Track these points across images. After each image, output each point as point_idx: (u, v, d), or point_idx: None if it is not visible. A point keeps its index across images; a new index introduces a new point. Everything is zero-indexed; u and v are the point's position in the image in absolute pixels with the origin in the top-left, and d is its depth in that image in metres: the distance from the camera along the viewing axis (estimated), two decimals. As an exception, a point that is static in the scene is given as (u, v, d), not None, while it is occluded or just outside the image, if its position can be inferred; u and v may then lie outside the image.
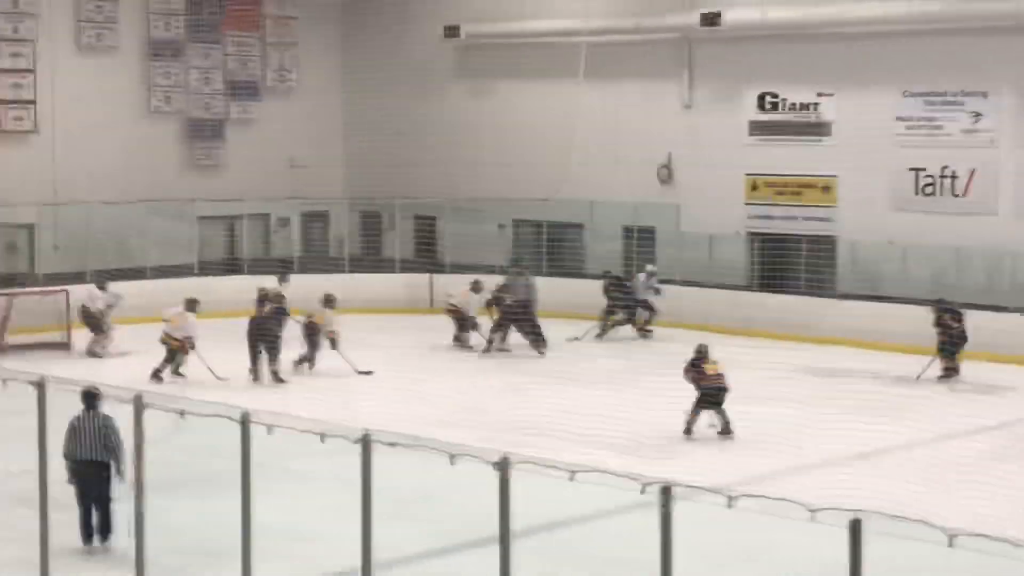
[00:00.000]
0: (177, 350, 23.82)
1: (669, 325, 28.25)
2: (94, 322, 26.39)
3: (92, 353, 26.10)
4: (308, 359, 24.45)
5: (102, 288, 26.76)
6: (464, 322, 27.27)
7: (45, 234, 31.38)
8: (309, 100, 36.21)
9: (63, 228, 31.43)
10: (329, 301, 24.67)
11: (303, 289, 27.00)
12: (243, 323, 24.07)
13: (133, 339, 26.14)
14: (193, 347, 23.59)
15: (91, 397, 14.19)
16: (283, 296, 25.40)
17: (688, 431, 19.16)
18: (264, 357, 23.62)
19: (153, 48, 34.03)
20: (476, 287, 27.50)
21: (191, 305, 24.10)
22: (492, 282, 28.30)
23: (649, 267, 29.15)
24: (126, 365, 24.78)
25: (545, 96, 33.47)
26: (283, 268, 30.04)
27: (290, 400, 21.32)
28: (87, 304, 26.42)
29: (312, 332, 24.39)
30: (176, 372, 23.90)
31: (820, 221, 29.68)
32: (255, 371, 23.61)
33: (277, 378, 23.61)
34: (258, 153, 35.01)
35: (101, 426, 13.97)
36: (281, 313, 24.56)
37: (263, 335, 23.73)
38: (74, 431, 13.99)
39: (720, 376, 19.28)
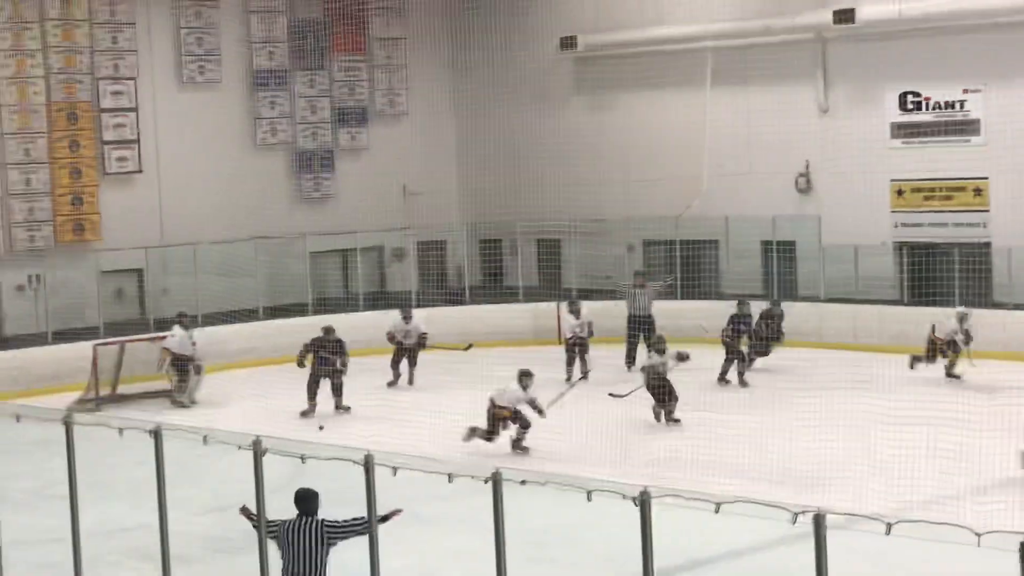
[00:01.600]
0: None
1: (815, 346, 28.01)
2: (183, 369, 26.43)
3: (176, 403, 26.10)
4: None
5: (186, 329, 26.81)
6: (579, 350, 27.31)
7: (154, 278, 31.93)
8: (420, 124, 36.52)
9: (171, 270, 31.97)
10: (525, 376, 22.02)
11: (425, 323, 27.43)
12: (366, 361, 24.37)
13: (241, 383, 26.56)
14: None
15: (305, 501, 11.90)
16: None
17: None
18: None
19: (257, 79, 34.55)
20: (573, 308, 27.51)
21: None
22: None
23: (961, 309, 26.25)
24: (229, 412, 25.04)
25: (670, 107, 33.43)
26: (400, 303, 30.23)
27: (406, 437, 21.39)
28: (175, 349, 26.38)
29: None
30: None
31: (972, 227, 29.32)
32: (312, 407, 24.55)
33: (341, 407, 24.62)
34: (369, 182, 35.37)
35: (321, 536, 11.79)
36: (340, 346, 24.95)
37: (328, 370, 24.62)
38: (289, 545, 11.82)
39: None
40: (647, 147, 33.78)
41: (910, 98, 30.13)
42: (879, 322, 28.63)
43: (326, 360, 24.61)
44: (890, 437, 19.06)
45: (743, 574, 14.82)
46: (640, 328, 28.33)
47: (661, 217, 32.74)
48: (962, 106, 29.45)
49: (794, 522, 9.96)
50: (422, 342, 27.47)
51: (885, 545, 13.34)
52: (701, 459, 18.83)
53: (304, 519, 11.71)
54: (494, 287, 34.54)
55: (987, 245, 29.06)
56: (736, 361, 26.09)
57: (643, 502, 9.74)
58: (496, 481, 10.50)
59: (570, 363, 27.03)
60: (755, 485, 17.26)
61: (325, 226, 34.25)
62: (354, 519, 11.38)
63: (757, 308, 27.11)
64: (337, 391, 24.67)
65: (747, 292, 30.13)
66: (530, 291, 33.52)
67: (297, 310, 31.78)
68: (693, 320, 28.69)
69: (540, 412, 21.18)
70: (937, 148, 29.77)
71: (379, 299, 33.09)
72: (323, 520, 11.69)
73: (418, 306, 30.63)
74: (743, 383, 25.88)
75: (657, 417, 22.71)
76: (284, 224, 33.77)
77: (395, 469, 11.28)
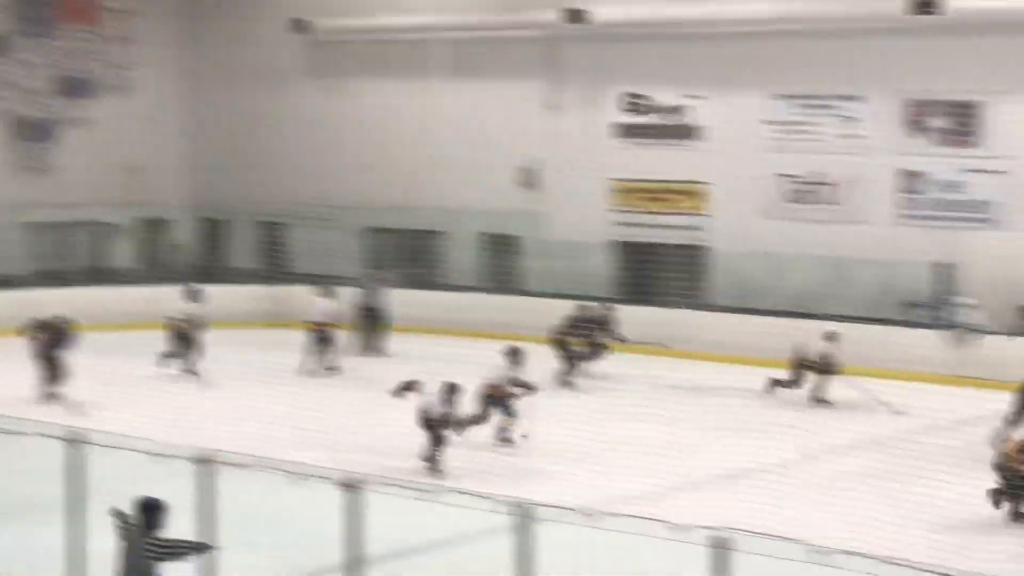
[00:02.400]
0: None
1: (536, 340, 28.42)
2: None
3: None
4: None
5: None
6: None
7: None
8: (149, 99, 35.91)
9: None
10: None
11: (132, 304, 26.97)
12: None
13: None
14: None
15: (149, 511, 10.81)
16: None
17: None
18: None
19: (-23, 42, 33.61)
20: (328, 294, 27.29)
21: None
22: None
23: None
24: None
25: (401, 96, 33.55)
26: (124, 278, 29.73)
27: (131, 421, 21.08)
28: None
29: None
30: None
31: (689, 230, 30.14)
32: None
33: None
34: (93, 156, 34.63)
35: None
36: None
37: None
38: None
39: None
40: (376, 135, 33.83)
41: (634, 100, 30.83)
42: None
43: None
44: (600, 432, 19.54)
45: (451, 563, 14.98)
46: (374, 319, 28.53)
47: (388, 205, 32.86)
48: (684, 111, 30.26)
49: (501, 513, 10.15)
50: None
51: (590, 537, 13.75)
52: (415, 449, 18.93)
53: (141, 529, 10.80)
54: (216, 268, 34.16)
55: (703, 248, 29.90)
56: (570, 361, 25.35)
57: (351, 488, 9.81)
58: (206, 463, 10.46)
59: (317, 351, 26.54)
60: (465, 477, 17.42)
61: (44, 198, 33.43)
62: (178, 542, 10.91)
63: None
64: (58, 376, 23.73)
65: (471, 284, 30.63)
66: (252, 274, 33.27)
67: (10, 282, 30.95)
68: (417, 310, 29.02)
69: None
70: (658, 151, 30.54)
71: (97, 275, 32.44)
72: (154, 539, 10.79)
73: (134, 284, 30.21)
74: (567, 383, 24.98)
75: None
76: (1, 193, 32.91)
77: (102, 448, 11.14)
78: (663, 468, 18.12)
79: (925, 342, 25.89)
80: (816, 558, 11.14)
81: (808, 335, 24.05)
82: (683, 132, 30.37)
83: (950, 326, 25.82)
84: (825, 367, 23.48)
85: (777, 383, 23.70)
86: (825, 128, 28.86)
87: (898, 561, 12.09)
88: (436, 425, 18.56)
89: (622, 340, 26.07)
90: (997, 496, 16.66)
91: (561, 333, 25.67)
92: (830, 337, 23.62)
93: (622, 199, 31.03)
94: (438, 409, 18.61)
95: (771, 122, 29.37)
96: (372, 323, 28.73)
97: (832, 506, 15.61)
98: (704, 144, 30.10)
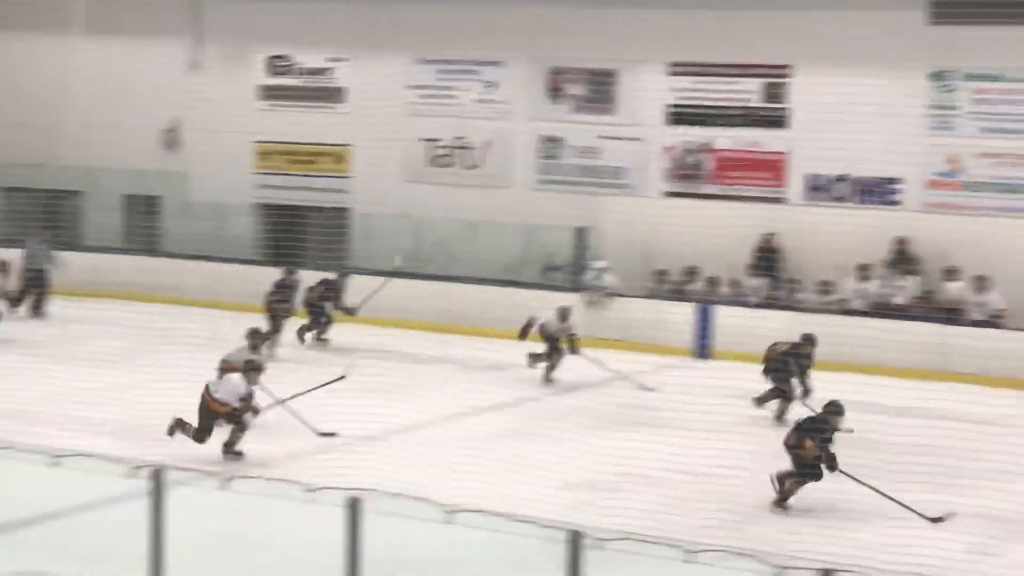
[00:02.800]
0: None
1: (171, 302, 28.17)
2: None
3: None
4: None
5: None
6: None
7: None
8: None
9: None
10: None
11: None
12: None
13: None
14: None
15: None
16: None
17: None
18: None
19: None
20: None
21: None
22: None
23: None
24: None
25: (39, 51, 32.61)
26: None
27: None
28: None
29: None
30: None
31: (334, 192, 30.23)
32: None
33: None
34: None
35: None
36: None
37: None
38: None
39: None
40: (11, 90, 32.81)
41: (279, 62, 30.72)
42: (240, 282, 28.93)
43: None
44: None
45: (83, 529, 14.73)
46: (40, 281, 27.73)
47: (24, 164, 31.94)
48: (328, 73, 30.30)
49: (132, 476, 10.09)
50: None
51: (223, 500, 13.75)
52: (44, 414, 18.52)
53: None
54: None
55: (346, 210, 30.03)
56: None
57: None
58: None
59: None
60: (98, 439, 17.14)
61: None
62: None
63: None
64: None
65: (112, 245, 30.06)
66: None
67: None
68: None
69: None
70: (302, 114, 30.53)
71: None
72: None
73: None
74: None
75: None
76: None
77: None
78: (297, 430, 18.15)
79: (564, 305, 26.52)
80: (447, 517, 11.40)
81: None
82: (327, 95, 30.42)
83: (586, 289, 26.59)
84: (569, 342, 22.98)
85: (537, 357, 23.12)
86: (467, 93, 29.33)
87: (522, 518, 12.46)
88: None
89: (348, 311, 25.73)
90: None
91: (273, 300, 25.12)
92: (564, 314, 23.27)
93: (266, 161, 30.92)
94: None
95: (414, 86, 29.68)
96: (38, 285, 27.82)
97: (466, 467, 15.93)
98: (348, 107, 30.21)
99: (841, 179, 26.80)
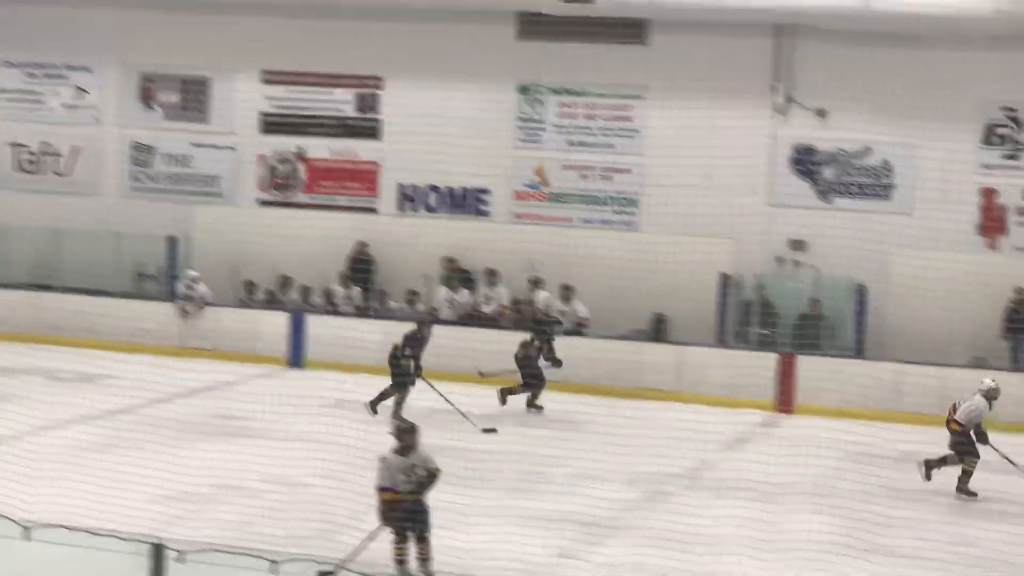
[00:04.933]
0: None
1: None
2: None
3: None
4: None
5: None
6: None
7: None
8: None
9: None
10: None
11: None
12: None
13: None
14: None
15: None
16: None
17: None
18: None
19: None
20: None
21: None
22: None
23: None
24: None
25: None
26: None
27: None
28: None
29: None
30: None
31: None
32: None
33: None
34: None
35: None
36: None
37: None
38: None
39: None
40: None
41: None
42: None
43: None
44: None
45: None
46: None
47: None
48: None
49: None
50: None
51: None
52: None
53: None
54: None
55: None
56: None
57: None
58: None
59: None
60: None
61: None
62: None
63: None
64: None
65: None
66: None
67: None
68: None
69: None
70: None
71: None
72: None
73: None
74: None
75: None
76: None
77: None
78: None
79: (156, 314, 26.21)
80: (25, 533, 11.12)
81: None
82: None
83: (177, 298, 26.28)
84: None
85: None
86: (56, 98, 28.64)
87: (106, 532, 12.24)
88: None
89: None
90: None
91: None
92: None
93: None
94: None
95: (1, 90, 28.83)
96: None
97: (54, 481, 15.52)
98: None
99: (434, 189, 27.28)
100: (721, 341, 25.01)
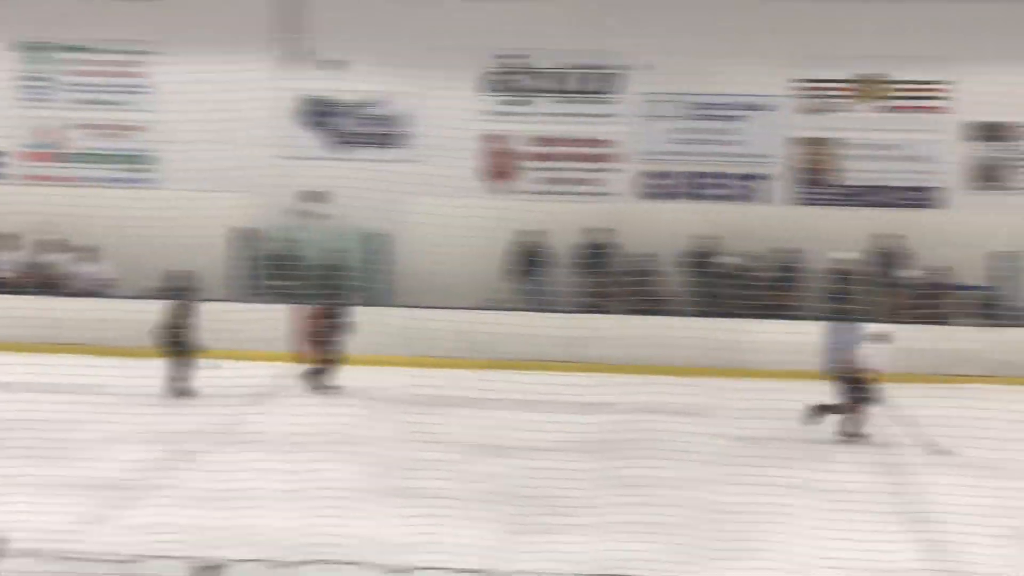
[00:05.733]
0: None
1: None
2: None
3: None
4: None
5: None
6: None
7: None
8: None
9: None
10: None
11: None
12: None
13: None
14: None
15: None
16: None
17: None
18: None
19: None
20: None
21: None
22: None
23: None
24: None
25: None
26: None
27: None
28: None
29: None
30: None
31: None
32: None
33: None
34: None
35: None
36: None
37: None
38: None
39: None
40: None
41: None
42: None
43: None
44: None
45: None
46: None
47: None
48: None
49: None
50: None
51: None
52: None
53: None
54: None
55: None
56: None
57: None
58: None
59: None
60: None
61: None
62: None
63: None
64: None
65: None
66: None
67: None
68: None
69: None
70: None
71: None
72: None
73: None
74: None
75: None
76: None
77: None
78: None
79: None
80: None
81: None
82: None
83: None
84: None
85: None
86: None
87: None
88: None
89: None
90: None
91: None
92: None
93: None
94: None
95: None
96: None
97: None
98: None
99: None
100: (236, 296, 24.91)
